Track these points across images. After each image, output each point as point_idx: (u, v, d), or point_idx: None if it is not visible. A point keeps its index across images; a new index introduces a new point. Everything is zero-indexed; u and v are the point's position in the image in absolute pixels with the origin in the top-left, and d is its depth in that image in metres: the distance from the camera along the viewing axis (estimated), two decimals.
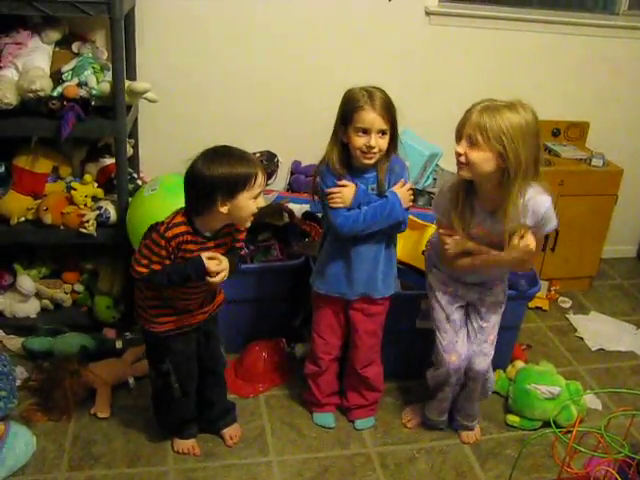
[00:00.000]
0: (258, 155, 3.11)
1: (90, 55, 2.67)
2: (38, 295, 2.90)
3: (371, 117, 2.07)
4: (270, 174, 3.16)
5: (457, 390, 2.45)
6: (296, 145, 3.24)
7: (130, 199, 2.69)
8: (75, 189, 2.72)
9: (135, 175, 2.91)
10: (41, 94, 2.47)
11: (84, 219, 2.67)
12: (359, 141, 2.10)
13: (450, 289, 2.34)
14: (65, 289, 2.94)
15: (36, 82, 2.45)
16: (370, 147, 2.10)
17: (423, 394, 2.59)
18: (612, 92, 3.60)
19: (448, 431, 2.56)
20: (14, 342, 2.74)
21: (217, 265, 1.99)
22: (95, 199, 2.76)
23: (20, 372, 2.58)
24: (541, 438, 2.44)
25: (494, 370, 2.50)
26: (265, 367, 2.73)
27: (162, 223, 1.99)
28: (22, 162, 2.70)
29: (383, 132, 2.10)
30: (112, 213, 2.71)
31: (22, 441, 2.23)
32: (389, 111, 2.09)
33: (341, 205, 2.17)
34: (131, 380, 2.61)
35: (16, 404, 2.34)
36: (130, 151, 2.88)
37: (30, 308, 2.89)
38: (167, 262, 1.98)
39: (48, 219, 2.66)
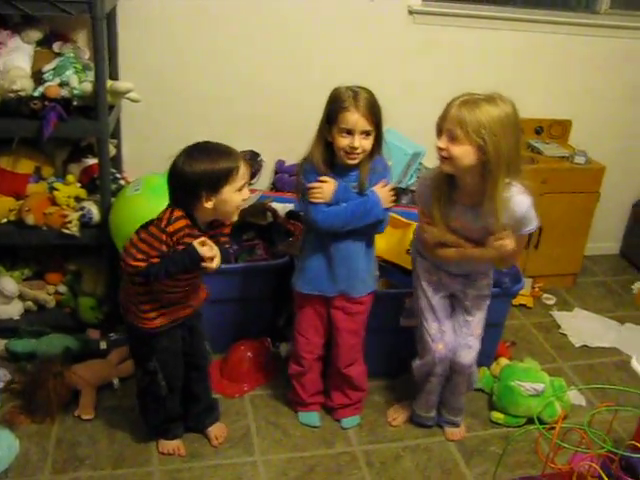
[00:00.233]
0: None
1: (72, 55, 2.64)
2: (21, 296, 2.88)
3: (355, 118, 2.07)
4: (254, 173, 3.16)
5: (442, 382, 2.46)
6: (280, 144, 3.23)
7: (113, 199, 2.68)
8: (58, 189, 2.70)
9: (118, 175, 2.89)
10: (22, 94, 2.45)
11: (67, 220, 2.65)
12: (343, 141, 2.11)
13: (434, 277, 2.35)
14: (48, 290, 2.92)
15: (17, 82, 2.43)
16: (353, 148, 2.10)
17: (408, 392, 2.60)
18: (594, 90, 3.62)
19: (433, 429, 2.57)
20: None
21: (210, 250, 1.98)
22: (78, 199, 2.74)
23: (3, 374, 2.56)
24: (525, 435, 2.45)
25: (478, 367, 2.51)
26: (250, 367, 2.73)
27: (159, 219, 1.98)
28: (4, 163, 2.69)
29: (367, 133, 2.11)
30: (95, 213, 2.69)
31: (5, 444, 2.21)
32: (374, 112, 2.10)
33: (321, 200, 2.17)
34: (115, 381, 2.60)
35: None
36: (113, 151, 2.87)
37: (13, 310, 2.86)
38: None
39: (30, 220, 2.63)
